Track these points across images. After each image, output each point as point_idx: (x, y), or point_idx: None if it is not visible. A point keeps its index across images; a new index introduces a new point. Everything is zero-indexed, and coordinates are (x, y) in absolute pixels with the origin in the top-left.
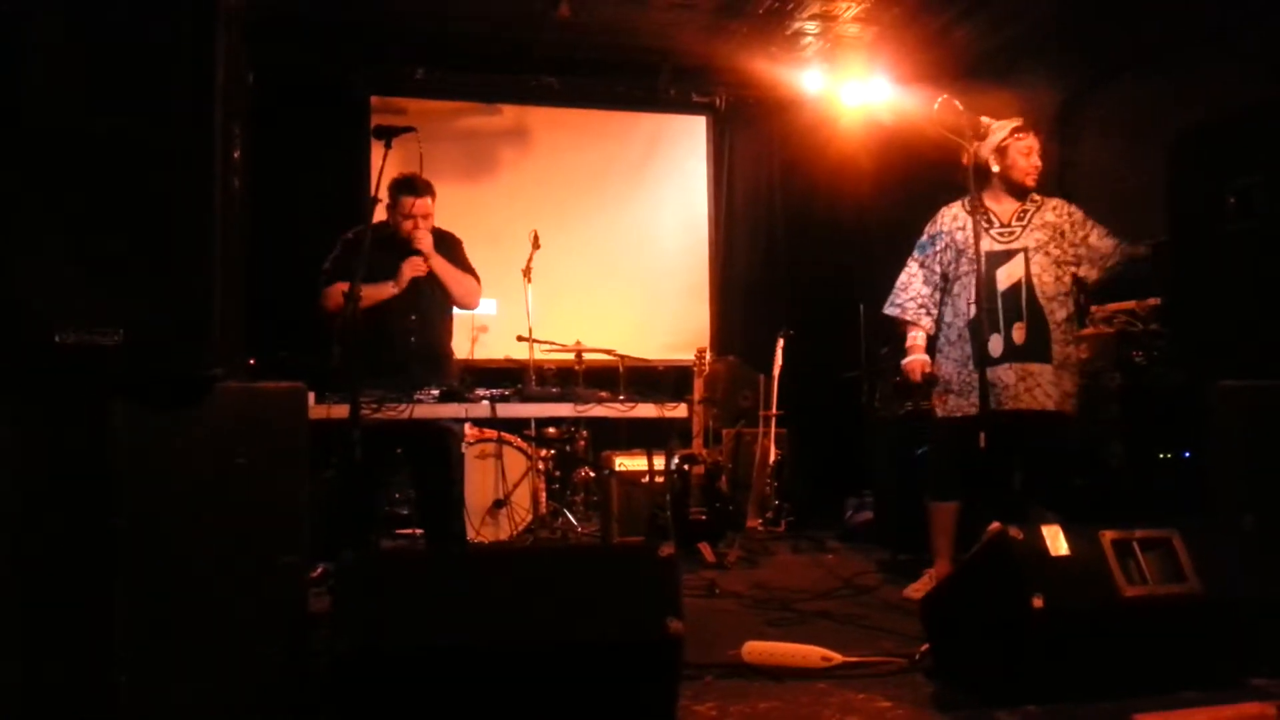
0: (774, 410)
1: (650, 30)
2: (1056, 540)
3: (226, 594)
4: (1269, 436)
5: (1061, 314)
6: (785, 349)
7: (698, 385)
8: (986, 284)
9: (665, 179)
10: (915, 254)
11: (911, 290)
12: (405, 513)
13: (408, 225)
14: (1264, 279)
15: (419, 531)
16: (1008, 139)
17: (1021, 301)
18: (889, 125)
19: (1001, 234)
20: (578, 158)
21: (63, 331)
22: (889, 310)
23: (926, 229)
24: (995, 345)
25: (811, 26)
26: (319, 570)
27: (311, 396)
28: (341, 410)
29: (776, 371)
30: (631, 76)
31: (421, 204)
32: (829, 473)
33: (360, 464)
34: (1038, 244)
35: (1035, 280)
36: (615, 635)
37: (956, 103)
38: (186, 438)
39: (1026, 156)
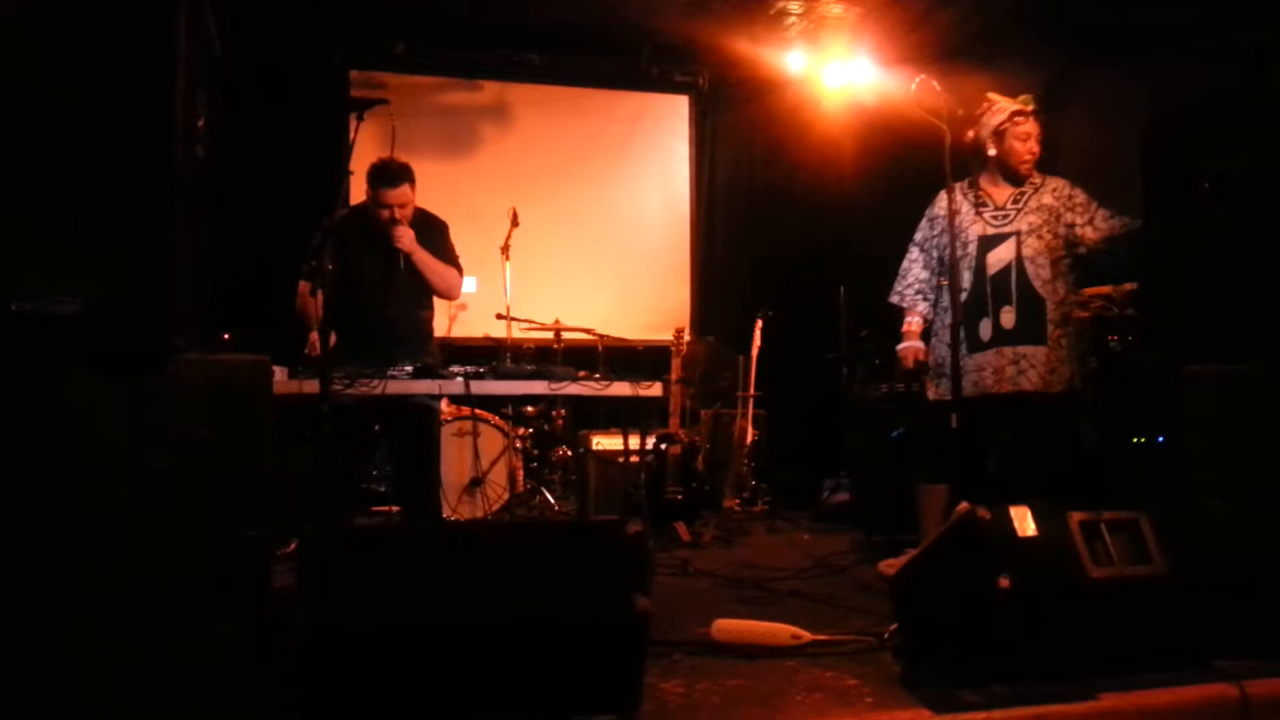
0: (752, 391)
1: (633, 7)
2: (1024, 521)
3: (189, 569)
4: (1237, 421)
5: (1056, 296)
6: (764, 330)
7: (675, 365)
8: (977, 268)
9: (646, 158)
10: (915, 238)
11: (910, 277)
12: (382, 489)
13: (384, 214)
14: (1238, 264)
15: (395, 509)
16: (1005, 123)
17: (1011, 285)
18: (871, 107)
19: (995, 217)
20: (559, 135)
21: (19, 300)
22: (892, 299)
23: (926, 212)
24: (985, 330)
25: (794, 7)
26: (291, 546)
27: (285, 372)
28: (313, 386)
29: (755, 352)
30: (614, 55)
31: (396, 194)
32: (806, 454)
33: (333, 440)
34: (1030, 227)
35: (1027, 264)
36: (582, 611)
37: (934, 84)
38: (147, 409)
39: (1024, 142)
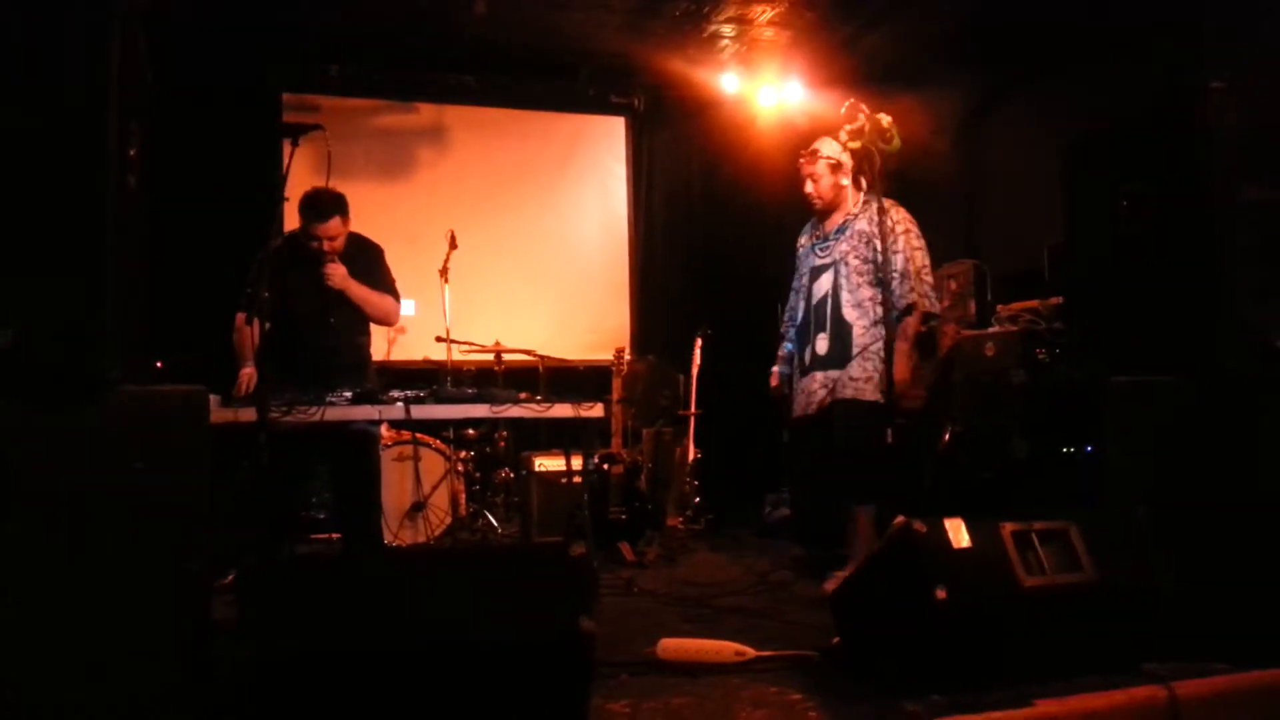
0: (693, 409)
1: (569, 30)
2: (959, 533)
3: (125, 602)
4: (1160, 431)
5: (865, 321)
6: (704, 348)
7: (616, 385)
8: (808, 297)
9: (584, 179)
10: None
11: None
12: (322, 517)
13: (314, 245)
14: (1155, 279)
15: (336, 536)
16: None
17: (826, 313)
18: (804, 128)
19: (822, 249)
20: (496, 157)
21: None
22: None
23: None
24: (808, 355)
25: (728, 30)
26: (230, 577)
27: (218, 399)
28: (250, 414)
29: (695, 371)
30: (550, 76)
31: (326, 228)
32: (748, 470)
33: (271, 468)
34: (842, 255)
35: (841, 291)
36: (526, 634)
37: (863, 106)
38: (82, 442)
39: (801, 185)
